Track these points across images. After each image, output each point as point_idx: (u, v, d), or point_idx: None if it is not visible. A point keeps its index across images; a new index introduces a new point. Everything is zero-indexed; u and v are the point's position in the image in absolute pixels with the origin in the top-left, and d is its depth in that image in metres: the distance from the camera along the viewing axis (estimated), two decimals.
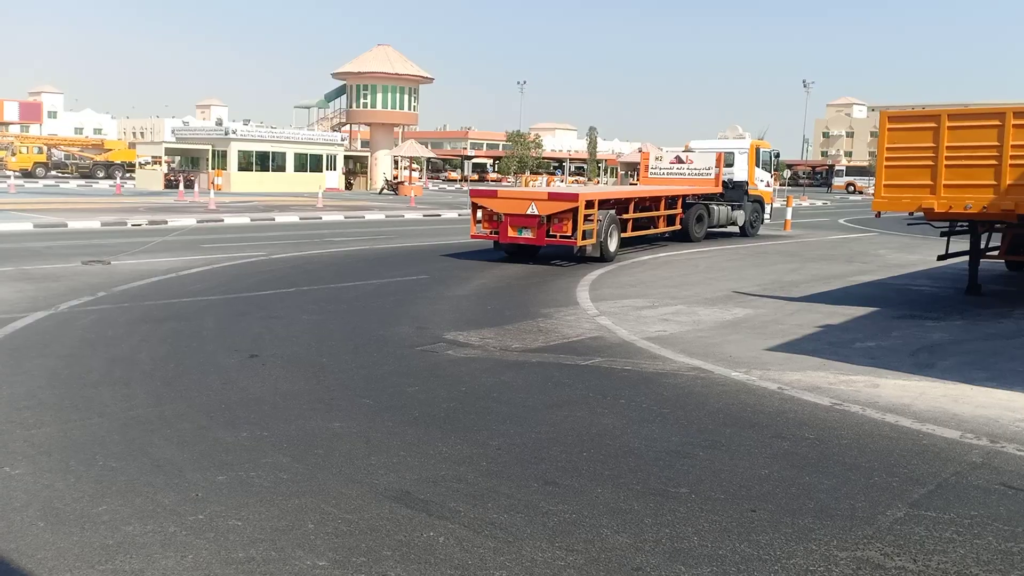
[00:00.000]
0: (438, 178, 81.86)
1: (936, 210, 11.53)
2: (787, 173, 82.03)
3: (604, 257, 16.67)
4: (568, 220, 15.91)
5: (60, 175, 59.60)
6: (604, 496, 4.73)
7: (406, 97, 55.74)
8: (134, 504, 4.49)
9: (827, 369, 7.82)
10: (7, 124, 68.06)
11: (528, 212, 16.01)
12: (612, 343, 8.90)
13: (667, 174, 22.57)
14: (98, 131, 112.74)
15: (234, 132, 48.72)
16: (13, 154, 57.58)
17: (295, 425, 5.91)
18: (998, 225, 12.68)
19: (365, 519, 4.36)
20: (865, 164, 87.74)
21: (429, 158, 67.39)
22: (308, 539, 4.12)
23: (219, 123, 56.68)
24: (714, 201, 22.17)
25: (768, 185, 25.09)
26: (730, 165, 23.06)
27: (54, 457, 5.17)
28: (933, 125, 11.47)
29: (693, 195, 21.45)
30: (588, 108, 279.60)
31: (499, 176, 75.81)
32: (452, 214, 30.69)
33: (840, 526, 4.37)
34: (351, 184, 53.60)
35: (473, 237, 17.26)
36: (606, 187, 36.84)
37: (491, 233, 16.78)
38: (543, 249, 17.22)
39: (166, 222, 23.26)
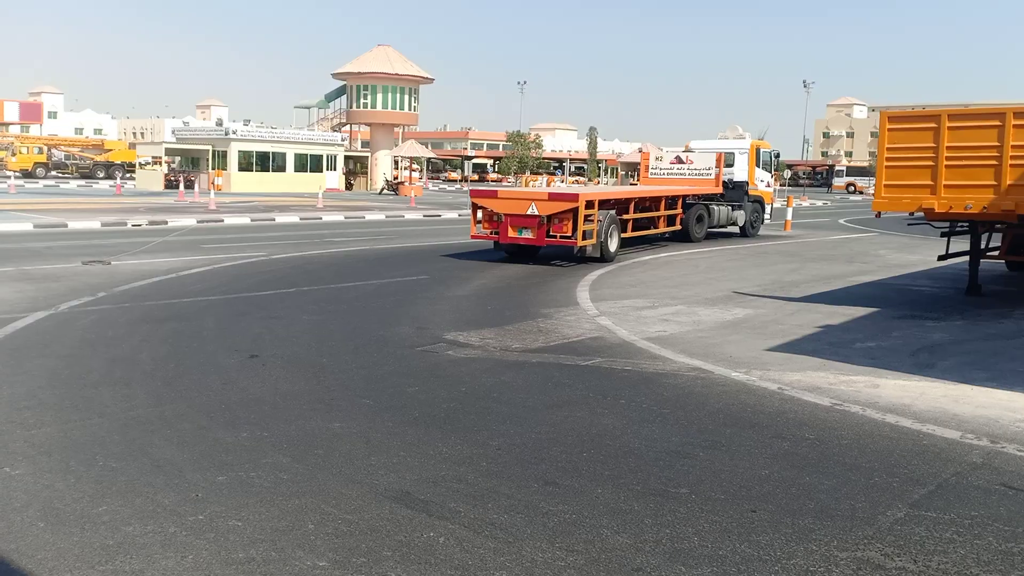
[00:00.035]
0: (438, 178, 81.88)
1: (936, 210, 11.53)
2: (787, 173, 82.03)
3: (604, 257, 16.66)
4: (568, 220, 15.91)
5: (60, 175, 59.61)
6: (604, 496, 4.73)
7: (406, 97, 55.76)
8: (134, 504, 4.49)
9: (827, 369, 7.82)
10: (7, 124, 68.12)
11: (528, 212, 16.01)
12: (612, 343, 8.90)
13: (667, 174, 22.57)
14: (98, 131, 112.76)
15: (234, 132, 48.72)
16: (13, 154, 57.60)
17: (295, 425, 5.91)
18: (998, 225, 12.68)
19: (365, 519, 4.36)
20: (865, 164, 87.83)
21: (429, 158, 67.41)
22: (308, 539, 4.12)
23: (219, 123, 56.65)
24: (714, 201, 22.17)
25: (768, 185, 25.09)
26: (730, 165, 23.05)
27: (54, 457, 5.17)
28: (933, 125, 11.47)
29: (693, 195, 21.45)
30: (588, 108, 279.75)
31: (499, 176, 75.81)
32: (452, 214, 30.69)
33: (840, 526, 4.37)
34: (351, 184, 53.60)
35: (473, 237, 17.27)
36: (606, 187, 36.86)
37: (491, 233, 16.79)
38: (543, 249, 17.22)
39: (166, 222, 23.26)
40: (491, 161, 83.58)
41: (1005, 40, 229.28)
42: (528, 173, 70.49)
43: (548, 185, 53.64)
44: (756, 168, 23.71)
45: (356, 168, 55.42)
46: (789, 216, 27.28)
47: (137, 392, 6.69)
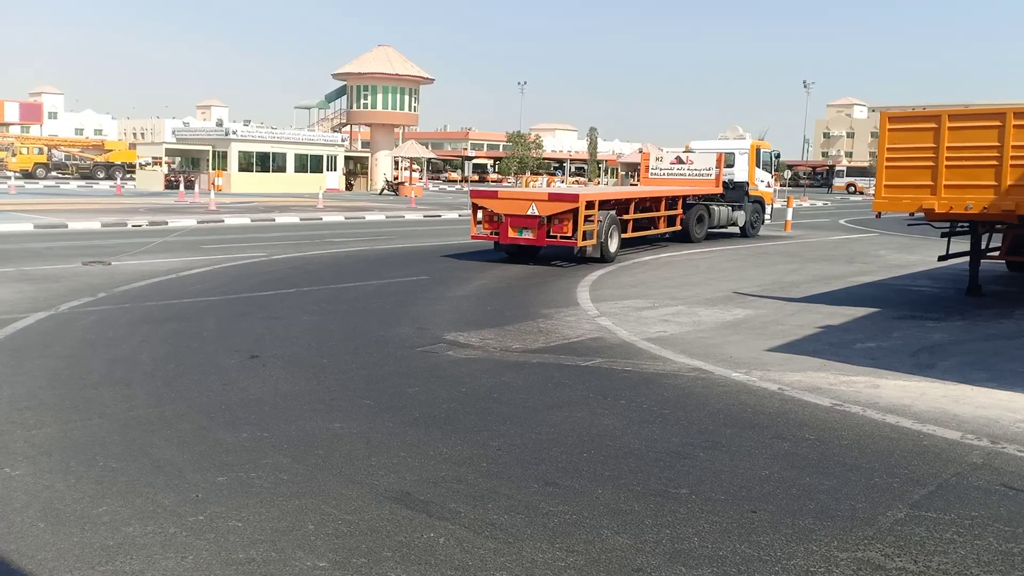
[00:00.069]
0: (438, 179, 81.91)
1: (937, 211, 11.53)
2: (787, 174, 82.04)
3: (604, 258, 16.66)
4: (568, 221, 15.91)
5: (60, 176, 59.61)
6: (604, 497, 4.73)
7: (406, 98, 55.77)
8: (134, 505, 4.49)
9: (827, 370, 7.81)
10: (7, 125, 68.10)
11: (528, 213, 16.01)
12: (612, 344, 8.90)
13: (667, 175, 22.58)
14: (98, 132, 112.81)
15: (234, 133, 48.73)
16: (13, 155, 57.62)
17: (295, 426, 5.91)
18: (999, 226, 12.68)
19: (365, 520, 4.36)
20: (866, 165, 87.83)
21: (429, 159, 67.45)
22: (308, 540, 4.12)
23: (219, 124, 56.62)
24: (715, 202, 22.17)
25: (769, 186, 25.09)
26: (730, 166, 23.06)
27: (54, 458, 5.17)
28: (934, 126, 11.47)
29: (694, 196, 21.45)
30: (588, 108, 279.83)
31: (499, 177, 75.84)
32: (452, 215, 30.69)
33: (841, 527, 4.37)
34: (351, 185, 53.62)
35: (473, 238, 17.27)
36: (606, 188, 36.86)
37: (491, 234, 16.79)
38: (543, 250, 17.22)
39: (167, 223, 23.26)
40: (491, 161, 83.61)
41: (1005, 40, 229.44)
42: (528, 173, 70.51)
43: (548, 185, 53.64)
44: (756, 168, 23.72)
45: (356, 168, 55.43)
46: (789, 216, 27.28)
47: (137, 392, 6.69)
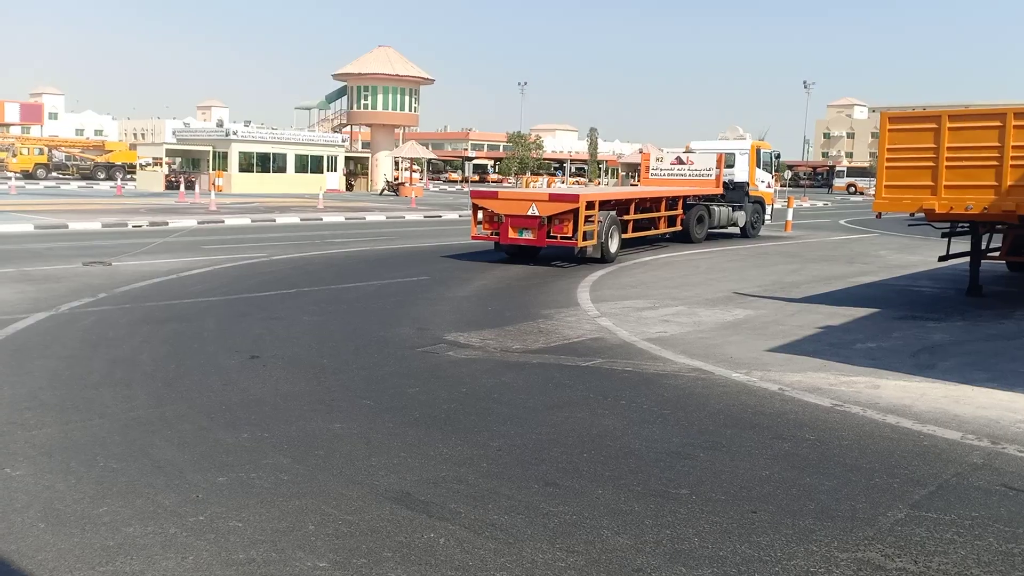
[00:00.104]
0: (439, 179, 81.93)
1: (937, 211, 11.53)
2: (788, 174, 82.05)
3: (605, 258, 16.66)
4: (569, 221, 15.92)
5: (61, 176, 59.62)
6: (605, 497, 4.73)
7: (407, 98, 55.80)
8: (135, 505, 4.49)
9: (828, 370, 7.81)
10: (8, 125, 68.10)
11: (529, 213, 16.01)
12: (613, 344, 8.90)
13: (668, 175, 22.58)
14: (99, 132, 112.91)
15: (235, 133, 48.77)
16: (14, 155, 57.64)
17: (296, 426, 5.91)
18: (999, 226, 12.68)
19: (366, 520, 4.36)
20: (866, 165, 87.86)
21: (430, 159, 67.47)
22: (309, 540, 4.13)
23: (220, 124, 56.78)
24: (715, 202, 22.17)
25: (769, 186, 25.09)
26: (731, 166, 23.06)
27: (55, 458, 5.17)
28: (934, 126, 11.46)
29: (694, 196, 21.45)
30: (588, 108, 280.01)
31: (500, 177, 75.89)
32: (453, 215, 30.70)
33: (841, 527, 4.37)
34: (352, 185, 53.64)
35: (474, 238, 17.27)
36: (607, 188, 36.87)
37: (492, 234, 16.79)
38: (544, 250, 17.23)
39: (167, 223, 23.27)
40: (492, 162, 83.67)
41: (1005, 40, 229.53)
42: (528, 174, 70.57)
43: (548, 186, 53.71)
44: (756, 169, 23.72)
45: (357, 169, 55.46)
46: (790, 217, 27.28)
47: (138, 393, 6.69)
